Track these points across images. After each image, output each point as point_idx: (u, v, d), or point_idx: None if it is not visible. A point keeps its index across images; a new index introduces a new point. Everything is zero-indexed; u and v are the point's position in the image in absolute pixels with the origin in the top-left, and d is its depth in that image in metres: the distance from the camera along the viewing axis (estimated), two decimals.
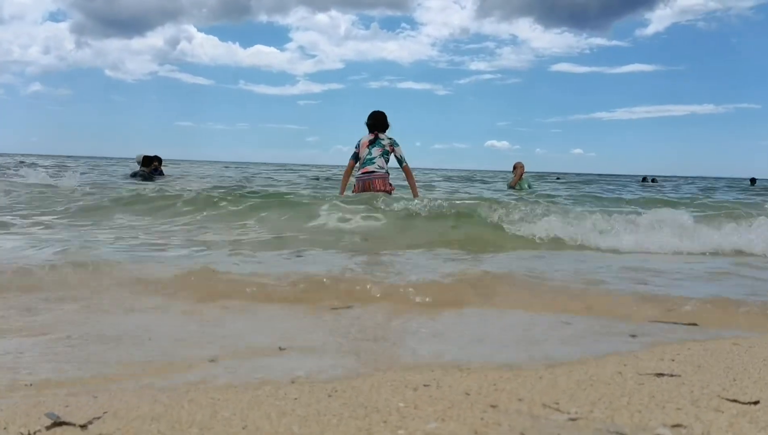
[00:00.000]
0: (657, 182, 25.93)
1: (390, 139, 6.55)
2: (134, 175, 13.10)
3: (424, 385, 1.53)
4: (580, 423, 1.25)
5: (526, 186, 11.77)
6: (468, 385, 1.53)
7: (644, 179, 27.00)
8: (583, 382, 1.56)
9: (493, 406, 1.35)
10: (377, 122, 6.55)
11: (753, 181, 29.47)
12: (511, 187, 11.81)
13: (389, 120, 6.63)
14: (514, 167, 11.81)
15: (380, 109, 6.56)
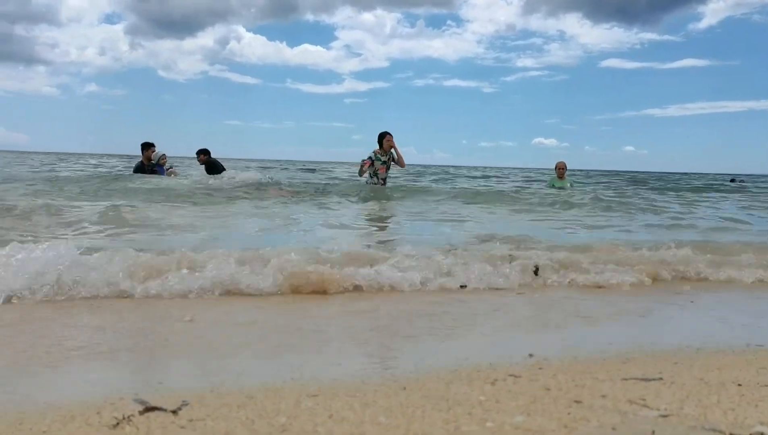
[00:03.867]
0: (745, 183, 22.15)
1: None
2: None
3: (503, 380, 1.52)
4: (673, 419, 1.22)
5: (568, 185, 11.84)
6: (546, 381, 1.51)
7: (733, 180, 23.52)
8: (667, 380, 1.52)
9: (577, 402, 1.33)
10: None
11: None
12: (553, 186, 11.85)
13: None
14: (557, 167, 11.91)
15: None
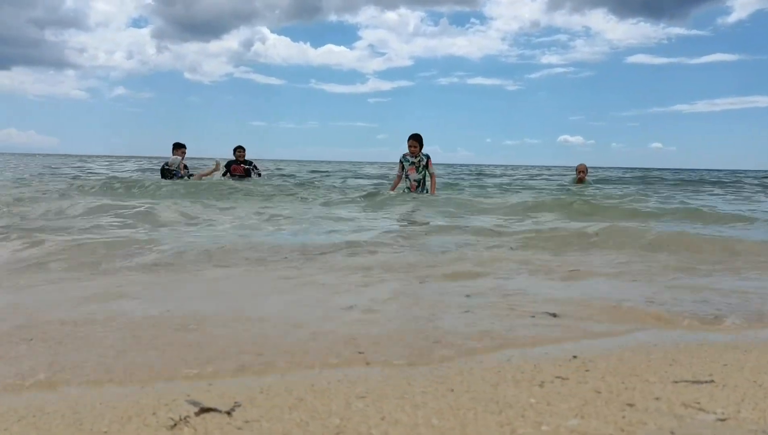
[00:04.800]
0: None
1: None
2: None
3: (550, 382, 1.51)
4: (731, 423, 1.20)
5: (590, 188, 12.59)
6: (595, 384, 1.49)
7: None
8: (719, 382, 1.49)
9: (630, 405, 1.32)
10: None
11: None
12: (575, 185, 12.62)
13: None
14: (577, 170, 12.60)
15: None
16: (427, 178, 8.85)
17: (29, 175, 15.35)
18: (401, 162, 8.78)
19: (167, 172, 11.17)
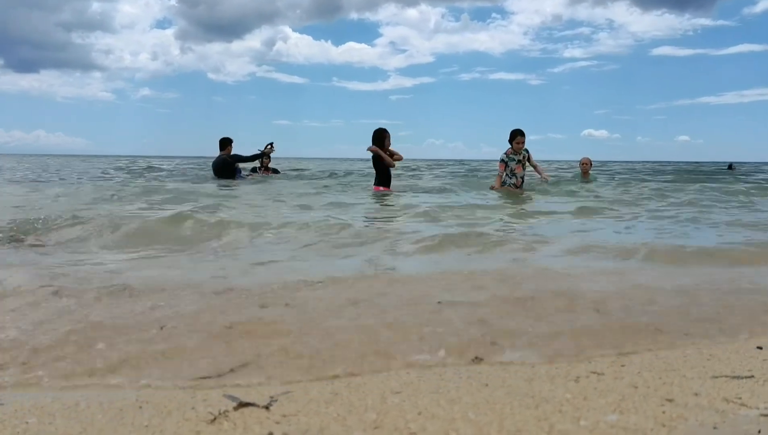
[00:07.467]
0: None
1: None
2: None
3: (585, 377, 1.50)
4: None
5: (593, 179, 12.62)
6: (632, 379, 1.48)
7: (730, 167, 26.78)
8: (759, 378, 1.47)
9: (669, 400, 1.30)
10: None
11: None
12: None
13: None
14: (581, 163, 12.63)
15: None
16: (528, 173, 8.79)
17: None
18: (504, 161, 8.57)
19: (225, 163, 11.70)
